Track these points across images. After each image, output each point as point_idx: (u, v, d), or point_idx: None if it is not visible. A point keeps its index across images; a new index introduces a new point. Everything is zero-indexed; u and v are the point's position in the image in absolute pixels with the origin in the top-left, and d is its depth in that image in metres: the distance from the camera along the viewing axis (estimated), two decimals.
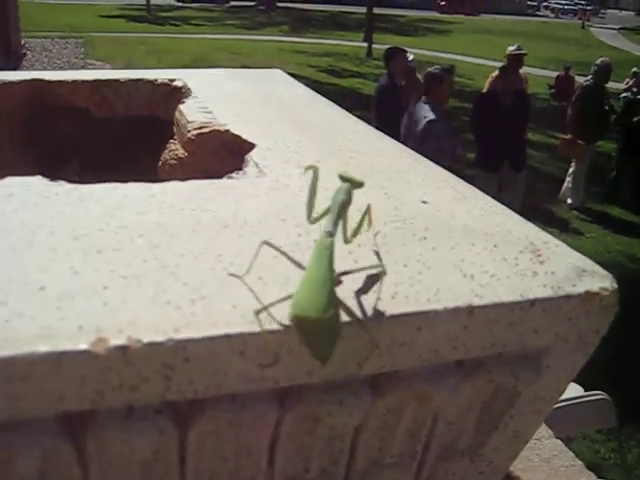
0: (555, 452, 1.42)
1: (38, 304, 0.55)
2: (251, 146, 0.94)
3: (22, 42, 15.75)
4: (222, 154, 1.03)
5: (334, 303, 0.56)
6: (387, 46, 6.50)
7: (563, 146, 7.33)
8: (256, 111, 1.14)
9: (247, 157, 0.90)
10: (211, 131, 1.02)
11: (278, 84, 1.45)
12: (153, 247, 0.63)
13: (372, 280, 0.62)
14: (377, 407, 0.66)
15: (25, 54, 15.00)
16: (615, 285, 0.68)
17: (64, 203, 0.71)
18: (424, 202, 0.79)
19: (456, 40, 23.62)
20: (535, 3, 53.23)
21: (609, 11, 54.32)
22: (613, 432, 2.99)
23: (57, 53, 15.65)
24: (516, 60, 6.34)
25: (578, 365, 0.73)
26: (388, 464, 0.75)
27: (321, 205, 0.64)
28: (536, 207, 7.01)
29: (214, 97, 1.24)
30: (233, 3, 35.96)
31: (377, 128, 3.94)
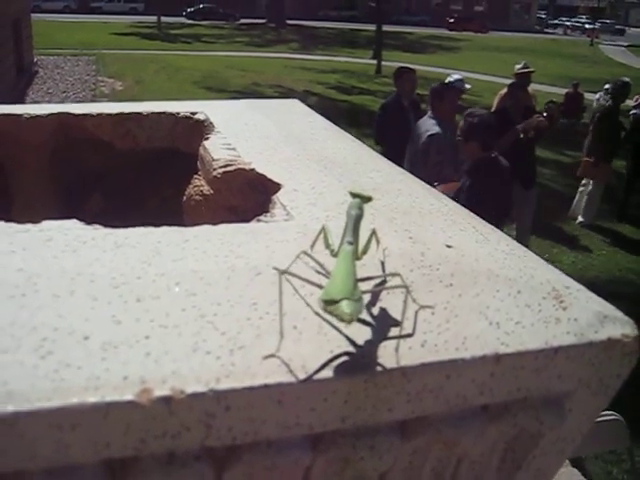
0: None
1: (83, 354, 0.57)
2: (276, 186, 0.97)
3: (34, 60, 15.93)
4: (247, 191, 1.05)
5: (358, 290, 0.61)
6: (396, 63, 6.57)
7: (585, 168, 7.32)
8: (279, 148, 1.16)
9: (274, 198, 0.92)
10: (236, 169, 1.05)
11: (297, 116, 1.48)
12: (190, 295, 0.66)
13: (402, 327, 0.64)
14: (404, 449, 0.68)
15: (37, 72, 15.17)
16: (637, 331, 0.70)
17: (102, 249, 0.73)
18: (449, 246, 0.81)
19: (465, 57, 23.75)
20: (544, 17, 53.51)
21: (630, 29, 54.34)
22: (626, 453, 2.99)
23: (69, 70, 15.82)
24: (524, 77, 6.39)
25: (600, 408, 0.75)
26: None
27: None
28: (546, 224, 7.02)
29: (236, 132, 1.27)
30: (243, 21, 36.28)
31: (376, 142, 3.97)
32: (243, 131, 1.28)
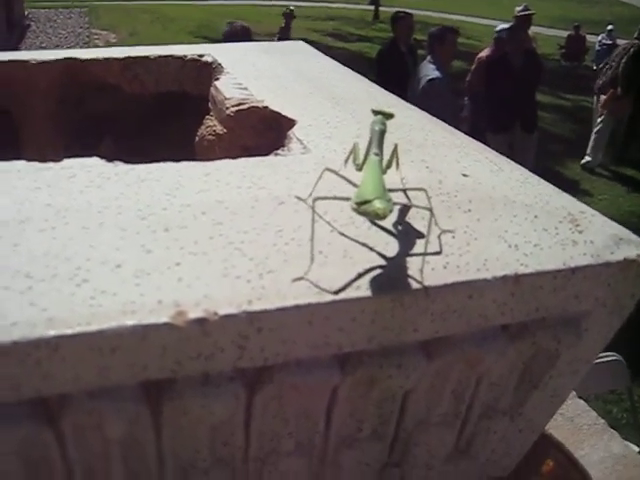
0: (578, 411, 1.46)
1: (117, 281, 0.59)
2: (291, 122, 0.98)
3: (26, 13, 15.68)
4: (260, 130, 1.06)
5: (388, 193, 0.64)
6: (394, 8, 6.47)
7: (608, 100, 7.22)
8: (290, 86, 1.17)
9: (289, 134, 0.93)
10: (249, 107, 1.05)
11: (305, 57, 1.48)
12: (217, 224, 0.67)
13: (424, 250, 0.66)
14: (429, 369, 0.70)
15: (29, 25, 14.93)
16: None
17: (125, 184, 0.75)
18: (465, 175, 0.82)
19: (464, 1, 23.35)
20: None
21: None
22: (626, 392, 3.05)
23: (61, 23, 15.57)
24: (524, 20, 6.29)
25: (614, 328, 0.77)
26: (434, 423, 0.79)
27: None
28: (547, 169, 7.01)
29: (246, 73, 1.26)
30: None
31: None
32: (252, 72, 1.28)
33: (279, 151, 0.88)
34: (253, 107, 1.05)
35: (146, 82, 1.42)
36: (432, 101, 4.54)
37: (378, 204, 0.59)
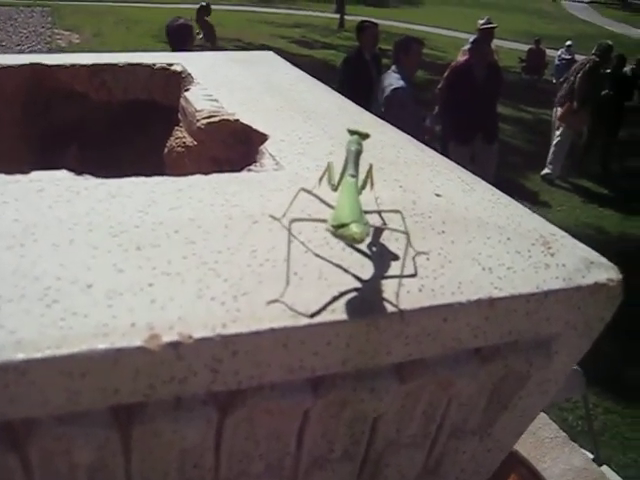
0: (540, 425, 1.48)
1: (89, 302, 0.57)
2: (262, 137, 0.97)
3: None
4: (231, 143, 1.05)
5: (364, 216, 0.63)
6: (359, 17, 6.52)
7: (565, 113, 7.33)
8: (261, 99, 1.16)
9: (262, 149, 0.92)
10: (220, 120, 1.04)
11: (275, 68, 1.47)
12: (190, 243, 0.66)
13: (399, 272, 0.66)
14: (399, 392, 0.70)
15: None
16: (620, 276, 0.73)
17: (96, 199, 0.73)
18: (438, 195, 0.82)
19: (428, 12, 23.57)
20: None
21: None
22: (581, 400, 3.09)
23: (23, 22, 15.30)
24: (487, 33, 6.39)
25: (583, 350, 0.78)
26: (404, 443, 0.79)
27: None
28: (508, 179, 7.11)
29: (216, 84, 1.25)
30: None
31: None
32: (223, 83, 1.26)
33: (252, 167, 0.87)
34: (224, 120, 1.04)
35: (114, 90, 1.40)
36: (396, 110, 4.58)
37: (355, 228, 0.59)
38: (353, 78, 5.50)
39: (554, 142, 7.50)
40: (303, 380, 0.63)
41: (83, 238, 0.65)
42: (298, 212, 0.72)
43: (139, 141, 1.44)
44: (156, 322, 0.56)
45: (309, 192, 0.70)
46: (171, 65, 1.40)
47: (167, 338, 0.55)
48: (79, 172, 1.40)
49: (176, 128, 1.19)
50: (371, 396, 0.65)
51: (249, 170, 0.86)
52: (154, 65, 1.40)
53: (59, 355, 0.52)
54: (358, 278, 0.64)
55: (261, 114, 1.07)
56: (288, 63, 1.60)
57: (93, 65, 1.38)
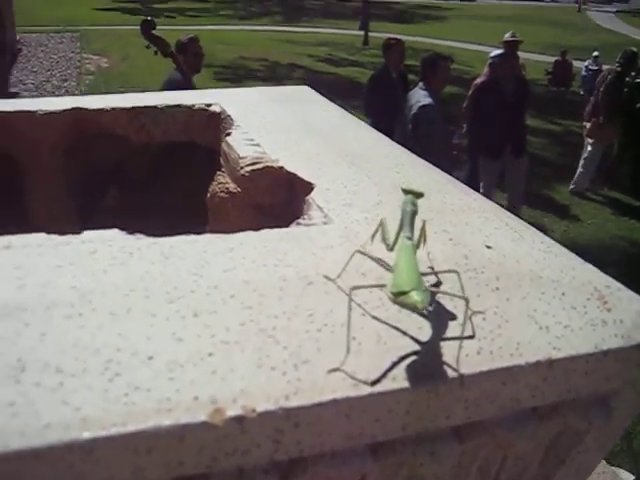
0: None
1: (150, 375, 0.58)
2: (308, 185, 0.97)
3: (17, 38, 15.71)
4: (274, 189, 1.05)
5: (423, 282, 0.64)
6: (384, 34, 6.53)
7: (592, 128, 7.29)
8: (302, 142, 1.16)
9: (309, 199, 0.92)
10: (264, 167, 1.05)
11: (312, 105, 1.48)
12: (246, 308, 0.66)
13: (457, 334, 0.65)
14: (457, 451, 0.69)
15: (21, 50, 14.96)
16: None
17: (150, 261, 0.74)
18: (488, 247, 0.82)
19: (453, 26, 23.57)
20: None
21: None
22: None
23: (53, 48, 15.59)
24: (512, 47, 6.38)
25: None
26: None
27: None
28: (537, 193, 7.06)
29: (256, 125, 1.26)
30: None
31: (365, 114, 4.03)
32: (263, 124, 1.27)
33: (300, 220, 0.87)
34: (268, 167, 1.05)
35: (153, 132, 1.41)
36: (423, 128, 4.58)
37: (415, 296, 0.59)
38: (380, 96, 5.51)
39: (583, 156, 7.44)
40: (363, 446, 0.63)
41: (140, 305, 0.66)
42: (353, 272, 0.72)
43: (179, 183, 1.46)
44: (219, 395, 0.56)
45: (364, 254, 0.70)
46: (210, 106, 1.41)
47: (231, 412, 0.55)
48: (121, 215, 1.42)
49: (218, 173, 1.20)
50: (431, 460, 0.65)
51: (298, 223, 0.87)
52: (193, 106, 1.42)
53: (125, 433, 0.53)
54: (416, 341, 0.64)
55: (304, 159, 1.08)
56: (324, 98, 1.61)
57: (133, 108, 1.40)
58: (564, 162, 8.34)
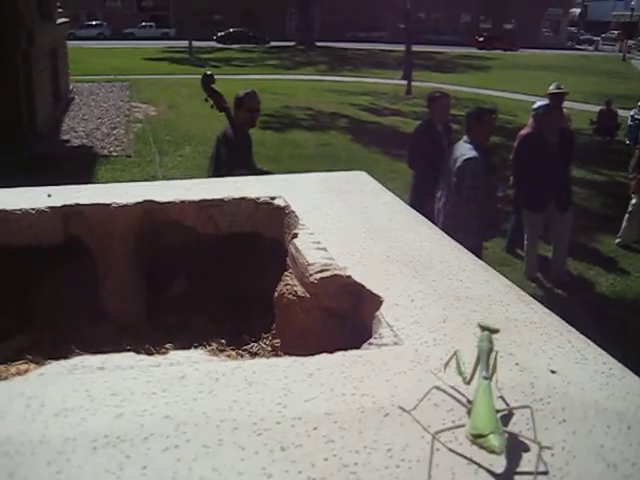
0: None
1: None
2: (376, 299, 1.02)
3: (70, 87, 16.29)
4: (342, 295, 1.11)
5: (500, 423, 0.69)
6: (426, 84, 6.60)
7: (637, 184, 7.24)
8: (366, 246, 1.22)
9: (378, 315, 0.97)
10: (332, 275, 1.11)
11: (370, 197, 1.54)
12: (329, 442, 0.71)
13: (531, 469, 0.69)
14: None
15: (73, 98, 15.50)
16: None
17: (235, 388, 0.79)
18: (553, 372, 0.86)
19: (495, 76, 23.74)
20: (576, 32, 53.56)
21: None
22: None
23: (103, 96, 16.13)
24: (557, 99, 6.40)
25: None
26: None
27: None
28: (583, 245, 7.00)
29: (320, 224, 1.33)
30: (273, 44, 36.68)
31: (410, 166, 4.10)
32: (326, 223, 1.34)
33: (372, 340, 0.92)
34: (336, 275, 1.10)
35: (220, 223, 1.48)
36: (468, 181, 4.60)
37: (494, 440, 0.63)
38: (424, 148, 5.56)
39: (628, 210, 7.37)
40: None
41: (230, 438, 0.71)
42: (426, 401, 0.76)
43: (243, 271, 1.52)
44: None
45: (441, 389, 0.74)
46: (274, 199, 1.48)
47: None
48: (187, 302, 1.49)
49: (286, 274, 1.26)
50: None
51: (370, 344, 0.91)
52: (258, 199, 1.49)
53: None
54: (491, 478, 0.68)
55: (370, 266, 1.13)
56: (379, 185, 1.67)
57: (201, 201, 1.48)
58: (610, 213, 8.26)
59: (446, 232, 1.37)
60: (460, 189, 4.59)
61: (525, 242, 6.09)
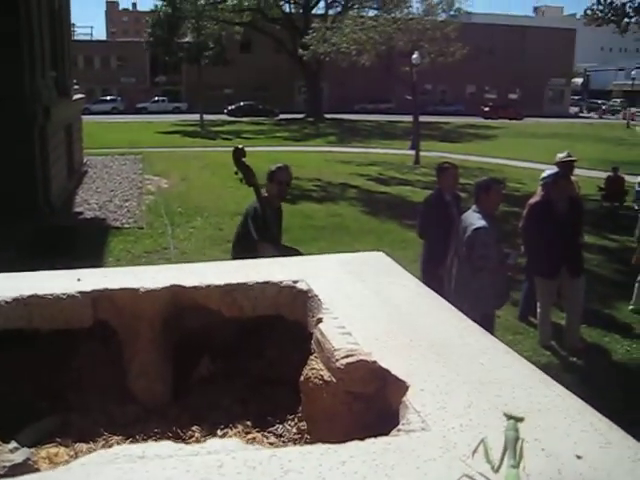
0: None
1: None
2: (402, 385, 1.05)
3: (84, 160, 16.61)
4: (368, 380, 1.14)
5: None
6: (434, 153, 6.68)
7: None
8: (390, 331, 1.26)
9: (405, 401, 1.01)
10: (359, 361, 1.14)
11: (390, 278, 1.59)
12: None
13: None
14: None
15: (87, 171, 15.78)
16: None
17: (272, 476, 0.82)
18: (578, 457, 0.88)
19: (502, 144, 24.09)
20: (583, 101, 54.57)
21: None
22: None
23: (116, 169, 16.39)
24: (567, 167, 6.45)
25: None
26: None
27: None
28: (596, 312, 6.96)
29: (343, 307, 1.37)
30: (282, 116, 37.47)
31: (420, 236, 4.14)
32: (349, 306, 1.38)
33: (400, 426, 0.95)
34: (362, 360, 1.14)
35: (244, 307, 1.53)
36: (478, 250, 4.63)
37: None
38: (434, 219, 5.61)
39: (638, 279, 7.36)
40: None
41: None
42: None
43: (267, 353, 1.56)
44: None
45: (471, 478, 0.77)
46: (296, 282, 1.53)
47: None
48: (212, 383, 1.51)
49: (311, 358, 1.29)
50: None
51: (399, 430, 0.94)
52: (281, 283, 1.53)
53: None
54: None
55: (395, 352, 1.17)
56: (398, 266, 1.72)
57: (226, 285, 1.53)
58: (622, 279, 8.23)
59: (458, 301, 1.41)
60: (471, 258, 4.64)
61: (538, 309, 6.06)
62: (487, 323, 4.14)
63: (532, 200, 6.15)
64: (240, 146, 4.34)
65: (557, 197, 5.65)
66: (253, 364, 1.56)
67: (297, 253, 3.73)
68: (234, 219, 10.42)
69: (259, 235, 4.12)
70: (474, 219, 4.75)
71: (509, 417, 0.82)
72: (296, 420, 1.39)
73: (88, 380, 1.54)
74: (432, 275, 4.96)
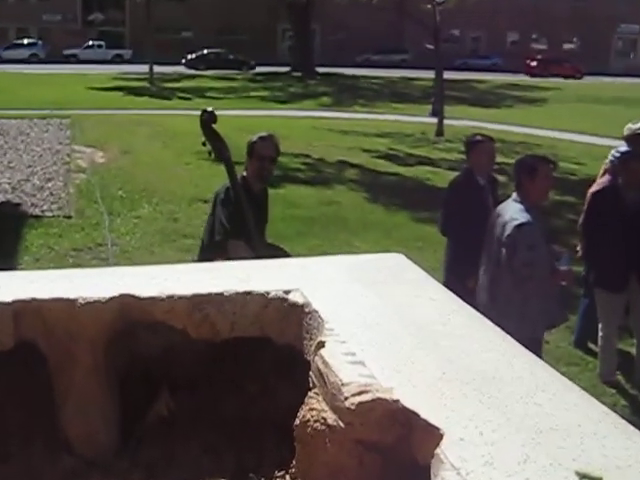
0: None
1: None
2: (434, 432, 1.06)
3: None
4: (386, 425, 1.14)
5: None
6: (463, 122, 6.48)
7: None
8: (415, 358, 1.26)
9: (439, 453, 1.01)
10: (374, 399, 1.14)
11: (410, 289, 1.59)
12: None
13: None
14: None
15: None
16: None
17: None
18: None
19: (552, 111, 24.08)
20: None
21: None
22: None
23: (36, 137, 16.27)
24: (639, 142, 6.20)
25: None
26: None
27: None
28: None
29: (352, 327, 1.37)
30: (260, 69, 37.27)
31: (443, 233, 4.10)
32: (360, 326, 1.38)
33: None
34: (379, 399, 1.14)
35: (218, 325, 1.52)
36: (522, 253, 4.50)
37: None
38: (464, 209, 5.36)
39: None
40: None
41: None
42: None
43: (248, 387, 1.56)
44: None
45: None
46: (288, 293, 1.52)
47: None
48: (171, 426, 1.52)
49: (310, 395, 1.29)
50: None
51: None
52: (268, 294, 1.53)
53: None
54: None
55: (422, 387, 1.17)
56: (420, 271, 1.72)
57: (193, 296, 1.52)
58: None
59: (494, 322, 1.40)
60: (512, 264, 4.50)
61: (600, 333, 6.00)
62: (535, 350, 4.00)
63: (594, 187, 6.06)
64: (210, 108, 4.21)
65: (627, 184, 5.56)
66: (229, 401, 1.56)
67: (284, 254, 3.69)
68: (193, 206, 10.33)
69: (231, 228, 4.00)
70: (515, 212, 4.56)
71: (582, 476, 0.82)
72: (288, 478, 1.39)
73: (6, 421, 1.53)
74: (459, 286, 4.59)
